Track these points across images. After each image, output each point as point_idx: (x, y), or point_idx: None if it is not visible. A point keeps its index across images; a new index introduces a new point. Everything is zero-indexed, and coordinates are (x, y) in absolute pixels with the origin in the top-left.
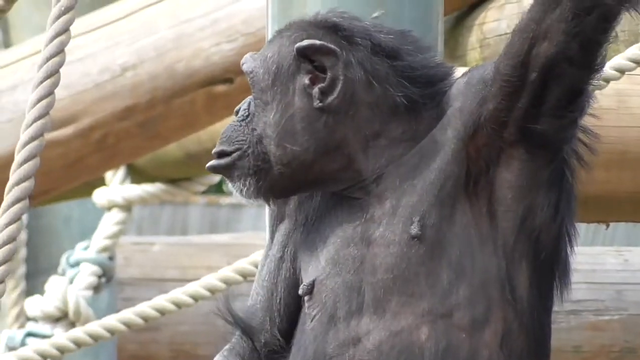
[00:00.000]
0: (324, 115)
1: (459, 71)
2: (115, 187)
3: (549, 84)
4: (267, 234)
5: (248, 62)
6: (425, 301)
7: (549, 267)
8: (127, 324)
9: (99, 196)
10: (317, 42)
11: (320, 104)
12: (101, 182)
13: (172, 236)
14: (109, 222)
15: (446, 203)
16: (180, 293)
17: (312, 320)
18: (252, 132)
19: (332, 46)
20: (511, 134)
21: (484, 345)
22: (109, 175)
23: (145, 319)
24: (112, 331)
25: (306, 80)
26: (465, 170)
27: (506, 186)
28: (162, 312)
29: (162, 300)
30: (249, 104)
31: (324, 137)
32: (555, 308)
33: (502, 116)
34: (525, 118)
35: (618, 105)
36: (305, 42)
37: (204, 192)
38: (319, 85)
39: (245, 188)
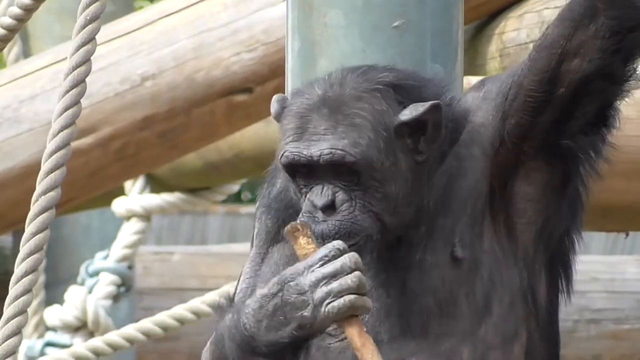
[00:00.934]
0: (424, 168)
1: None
2: (135, 196)
3: (581, 99)
4: (257, 239)
5: (349, 154)
6: (465, 322)
7: (560, 274)
8: (147, 334)
9: (118, 206)
10: (419, 112)
11: (422, 158)
12: (120, 192)
13: (191, 246)
14: (128, 232)
15: (477, 221)
16: (200, 302)
17: (338, 340)
18: (367, 214)
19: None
20: (533, 147)
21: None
22: (128, 184)
23: (165, 328)
24: (131, 341)
25: (409, 141)
26: (489, 186)
27: (526, 199)
28: (181, 321)
29: (182, 310)
30: (335, 194)
31: (422, 187)
32: (575, 317)
33: (525, 131)
34: (550, 132)
35: (637, 114)
36: (408, 117)
37: (223, 202)
38: (422, 138)
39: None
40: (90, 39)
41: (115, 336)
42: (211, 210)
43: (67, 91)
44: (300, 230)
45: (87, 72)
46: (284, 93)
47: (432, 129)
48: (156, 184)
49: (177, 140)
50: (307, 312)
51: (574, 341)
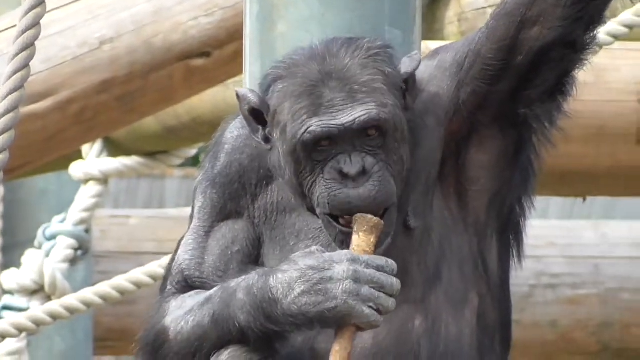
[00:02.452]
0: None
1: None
2: (92, 160)
3: (540, 67)
4: (200, 213)
5: (383, 112)
6: (417, 289)
7: (511, 240)
8: (104, 297)
9: (76, 169)
10: (410, 71)
11: (408, 117)
12: (78, 155)
13: (148, 209)
14: (86, 195)
15: (430, 190)
16: (157, 266)
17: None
18: (391, 177)
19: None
20: (488, 116)
21: (466, 325)
22: (85, 148)
23: (122, 292)
24: (88, 304)
25: (403, 100)
26: (441, 154)
27: (479, 167)
28: (138, 285)
29: (139, 273)
30: (364, 160)
31: None
32: (532, 282)
33: (480, 100)
34: (506, 101)
35: (596, 80)
36: (410, 70)
37: (181, 165)
38: (407, 95)
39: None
40: (40, 3)
41: (72, 300)
42: (169, 174)
43: (16, 54)
44: (374, 228)
45: (37, 36)
46: (241, 57)
47: (413, 83)
48: (114, 148)
49: (135, 103)
50: (350, 300)
51: (530, 306)
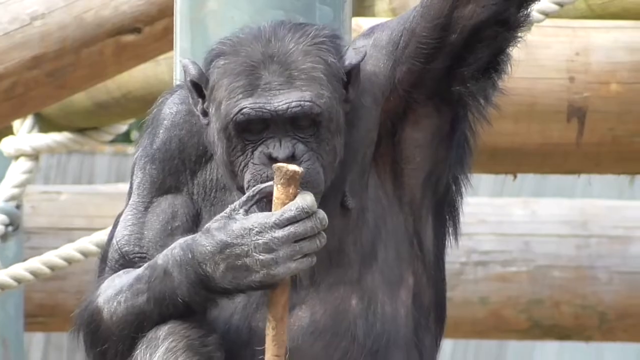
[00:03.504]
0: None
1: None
2: (23, 135)
3: (474, 46)
4: (139, 189)
5: (316, 105)
6: (353, 270)
7: (447, 218)
8: (34, 273)
9: (6, 145)
10: (354, 63)
11: (348, 108)
12: (9, 131)
13: (79, 185)
14: (16, 171)
15: (365, 170)
16: (87, 242)
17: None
18: (320, 167)
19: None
20: (423, 94)
21: (401, 304)
22: (16, 124)
23: (52, 267)
24: (19, 280)
25: (343, 91)
26: (378, 134)
27: (414, 145)
28: (69, 261)
29: (69, 249)
30: (295, 146)
31: None
32: (463, 259)
33: (416, 78)
34: (441, 79)
35: (527, 57)
36: (353, 63)
37: (112, 142)
38: (349, 87)
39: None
40: None
41: (3, 275)
42: (99, 150)
43: None
44: (292, 179)
45: None
46: (172, 33)
47: (356, 76)
48: (45, 124)
49: (66, 79)
50: (271, 270)
51: (461, 283)
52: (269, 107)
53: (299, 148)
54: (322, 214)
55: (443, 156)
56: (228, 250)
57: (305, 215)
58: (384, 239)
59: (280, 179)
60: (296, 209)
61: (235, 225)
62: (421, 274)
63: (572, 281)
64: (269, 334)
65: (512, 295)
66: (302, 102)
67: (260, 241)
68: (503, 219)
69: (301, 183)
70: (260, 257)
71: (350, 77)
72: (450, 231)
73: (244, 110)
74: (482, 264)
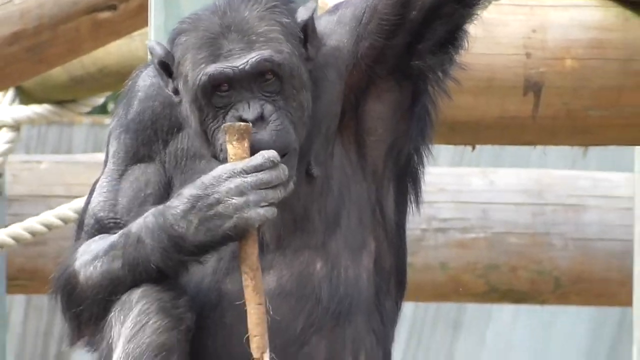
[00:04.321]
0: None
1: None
2: (4, 108)
3: (432, 22)
4: (114, 158)
5: (276, 57)
6: (318, 235)
7: (408, 187)
8: (16, 239)
9: None
10: (306, 19)
11: (311, 66)
12: None
13: (58, 155)
14: None
15: (330, 140)
16: (66, 209)
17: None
18: (290, 125)
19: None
20: (385, 69)
21: (363, 269)
22: None
23: (33, 233)
24: (1, 245)
25: (302, 49)
26: (341, 106)
27: (376, 117)
28: (48, 227)
29: (49, 216)
30: (263, 106)
31: None
32: (424, 226)
33: (378, 53)
34: (402, 54)
35: (485, 34)
36: (305, 17)
37: (89, 113)
38: (308, 45)
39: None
40: None
41: None
42: (77, 122)
43: None
44: (243, 133)
45: None
46: (146, 10)
47: (312, 33)
48: (25, 96)
49: (43, 55)
50: (244, 214)
51: (422, 249)
52: (229, 65)
53: (267, 108)
54: (284, 166)
55: (404, 128)
56: (200, 203)
57: (270, 164)
58: (348, 206)
59: (234, 136)
60: (262, 157)
61: (205, 178)
62: (382, 240)
63: (528, 247)
64: (248, 285)
65: (470, 260)
66: (260, 54)
67: (231, 185)
68: (462, 188)
69: (269, 140)
70: (233, 200)
71: (307, 35)
72: (411, 199)
73: (207, 72)
74: (442, 230)
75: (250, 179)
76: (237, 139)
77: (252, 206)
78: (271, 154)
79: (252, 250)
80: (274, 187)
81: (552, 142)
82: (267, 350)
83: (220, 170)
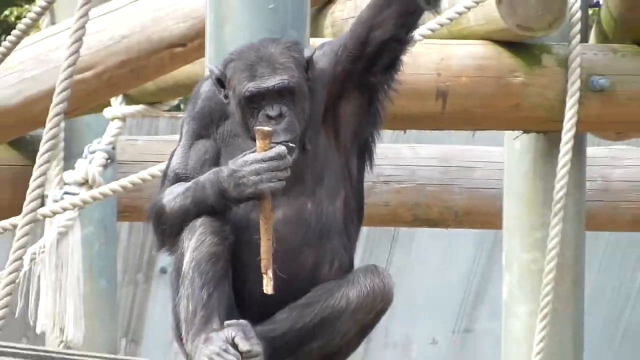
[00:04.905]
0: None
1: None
2: (116, 106)
3: (381, 54)
4: (185, 136)
5: (291, 81)
6: (309, 187)
7: (366, 157)
8: (123, 187)
9: (107, 112)
10: (309, 56)
11: (309, 85)
12: (108, 104)
13: (149, 136)
14: (113, 127)
15: (317, 128)
16: (154, 169)
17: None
18: (297, 120)
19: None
20: (351, 83)
21: (338, 209)
22: (112, 100)
23: (134, 184)
24: (114, 191)
25: (305, 74)
26: (325, 105)
27: (347, 114)
28: (143, 180)
29: (144, 174)
30: (281, 108)
31: None
32: (374, 179)
33: (347, 74)
34: (362, 74)
35: (412, 61)
36: (309, 55)
37: (168, 110)
38: (309, 72)
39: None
40: (86, 13)
41: (105, 189)
42: (161, 115)
43: (72, 44)
44: (267, 135)
45: (83, 34)
46: (204, 47)
47: (311, 63)
48: (129, 99)
49: (140, 74)
50: (259, 186)
51: (373, 194)
52: (264, 85)
53: (284, 109)
54: (289, 158)
55: (365, 121)
56: (235, 175)
57: (279, 157)
58: (328, 169)
59: (261, 135)
60: (275, 152)
61: (240, 159)
62: (349, 190)
63: (439, 193)
64: (262, 226)
65: (403, 201)
66: (282, 81)
67: (253, 168)
68: (398, 156)
69: (284, 129)
70: (252, 177)
71: (308, 65)
72: (367, 164)
73: (250, 88)
74: (386, 183)
75: (265, 165)
76: (262, 137)
77: (265, 182)
78: (281, 149)
79: (267, 205)
80: (281, 170)
81: (454, 128)
82: (271, 268)
83: (249, 157)
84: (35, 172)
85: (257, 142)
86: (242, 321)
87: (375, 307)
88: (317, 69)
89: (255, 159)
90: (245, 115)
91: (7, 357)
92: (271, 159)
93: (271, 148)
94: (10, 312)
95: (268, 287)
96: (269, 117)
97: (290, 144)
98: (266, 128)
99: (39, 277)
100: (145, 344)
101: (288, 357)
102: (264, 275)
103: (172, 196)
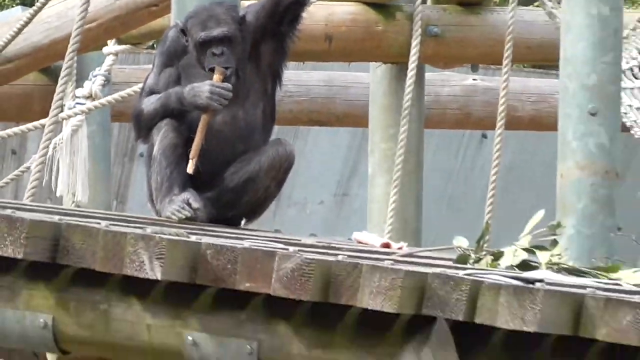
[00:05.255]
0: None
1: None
2: (111, 46)
3: (289, 12)
4: (157, 65)
5: (230, 32)
6: (240, 101)
7: (277, 81)
8: (115, 100)
9: (105, 49)
10: (242, 15)
11: (243, 35)
12: (106, 44)
13: (136, 65)
14: (109, 60)
15: (245, 63)
16: (136, 87)
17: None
18: (234, 58)
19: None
20: (268, 31)
21: (258, 115)
22: (109, 41)
23: (122, 97)
24: (109, 102)
25: (239, 26)
26: (251, 46)
27: (266, 52)
28: (129, 95)
29: (129, 90)
30: (223, 49)
31: None
32: (282, 95)
33: (265, 25)
34: (276, 26)
35: (308, 15)
36: (245, 12)
37: (147, 48)
38: (243, 24)
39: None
40: None
41: (103, 101)
42: (141, 51)
43: (82, 4)
44: (221, 72)
45: None
46: (170, 7)
47: (244, 19)
48: (120, 41)
49: (129, 25)
50: (208, 101)
51: (281, 105)
52: (211, 35)
53: (225, 50)
54: (230, 87)
55: (277, 57)
56: (193, 90)
57: (226, 87)
58: (252, 90)
59: (217, 72)
60: (223, 84)
61: (199, 83)
62: (266, 103)
63: (326, 103)
64: (200, 129)
65: (301, 109)
66: (223, 32)
67: (206, 88)
68: (299, 79)
69: (224, 62)
70: (205, 95)
71: (241, 20)
72: (278, 85)
73: (201, 37)
74: (288, 96)
75: (217, 89)
76: (218, 73)
77: (214, 101)
78: (227, 85)
79: (207, 117)
80: (224, 97)
81: (337, 60)
82: (196, 157)
83: (206, 83)
84: (57, 89)
85: (214, 75)
86: (191, 189)
87: (283, 165)
88: (246, 22)
89: (211, 84)
90: (199, 53)
91: (39, 213)
92: (221, 88)
93: (223, 82)
94: (40, 183)
95: (190, 168)
96: (214, 54)
97: (228, 72)
98: (221, 68)
99: (58, 160)
100: (129, 204)
101: (229, 211)
102: (191, 160)
103: (148, 103)
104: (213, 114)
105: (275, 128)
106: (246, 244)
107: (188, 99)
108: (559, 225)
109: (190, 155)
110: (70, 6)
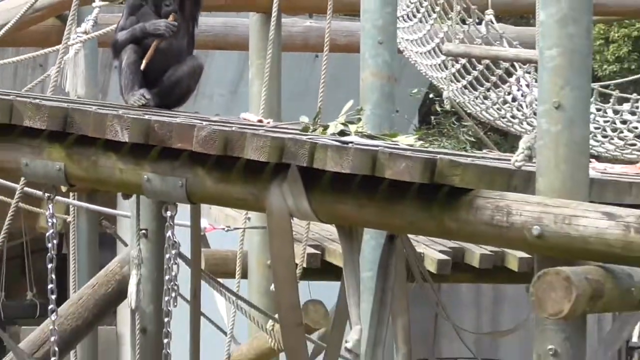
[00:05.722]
0: None
1: None
2: (97, 1)
3: None
4: (125, 12)
5: None
6: (175, 35)
7: (195, 20)
8: (101, 34)
9: (94, 3)
10: None
11: None
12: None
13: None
14: (96, 10)
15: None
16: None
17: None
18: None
19: None
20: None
21: (184, 43)
22: None
23: (106, 32)
24: (97, 35)
25: None
26: (181, 1)
27: (189, 5)
28: (110, 31)
29: (110, 29)
30: (172, 1)
31: None
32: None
33: None
34: None
35: None
36: None
37: (120, 3)
38: None
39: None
40: None
41: (93, 34)
42: (117, 5)
43: None
44: (174, 17)
45: None
46: None
47: None
48: None
49: None
50: (159, 30)
51: (198, 37)
52: None
53: (172, 2)
54: (176, 25)
55: (195, 8)
56: (154, 24)
57: (175, 24)
58: (182, 27)
59: (172, 16)
60: (174, 22)
61: (156, 19)
62: (189, 36)
63: (227, 36)
64: (151, 49)
65: (208, 39)
66: None
67: (161, 24)
68: (208, 22)
69: (174, 9)
70: (161, 26)
71: None
72: (196, 24)
73: None
74: (202, 32)
75: (170, 25)
76: (171, 17)
77: (166, 31)
78: (175, 23)
79: (157, 42)
80: (172, 29)
81: (232, 11)
82: (147, 62)
83: (162, 20)
84: (66, 28)
85: (170, 16)
86: (145, 87)
87: (197, 71)
88: None
89: (166, 22)
90: (153, 6)
91: (55, 102)
92: (172, 24)
93: (173, 22)
94: (56, 84)
95: (143, 66)
96: (167, 5)
97: (175, 14)
98: (175, 14)
99: (67, 70)
100: (109, 96)
101: (167, 101)
102: (144, 62)
103: (120, 35)
104: (161, 41)
105: (195, 52)
106: (178, 120)
107: (149, 30)
108: (361, 109)
109: (144, 61)
110: None
